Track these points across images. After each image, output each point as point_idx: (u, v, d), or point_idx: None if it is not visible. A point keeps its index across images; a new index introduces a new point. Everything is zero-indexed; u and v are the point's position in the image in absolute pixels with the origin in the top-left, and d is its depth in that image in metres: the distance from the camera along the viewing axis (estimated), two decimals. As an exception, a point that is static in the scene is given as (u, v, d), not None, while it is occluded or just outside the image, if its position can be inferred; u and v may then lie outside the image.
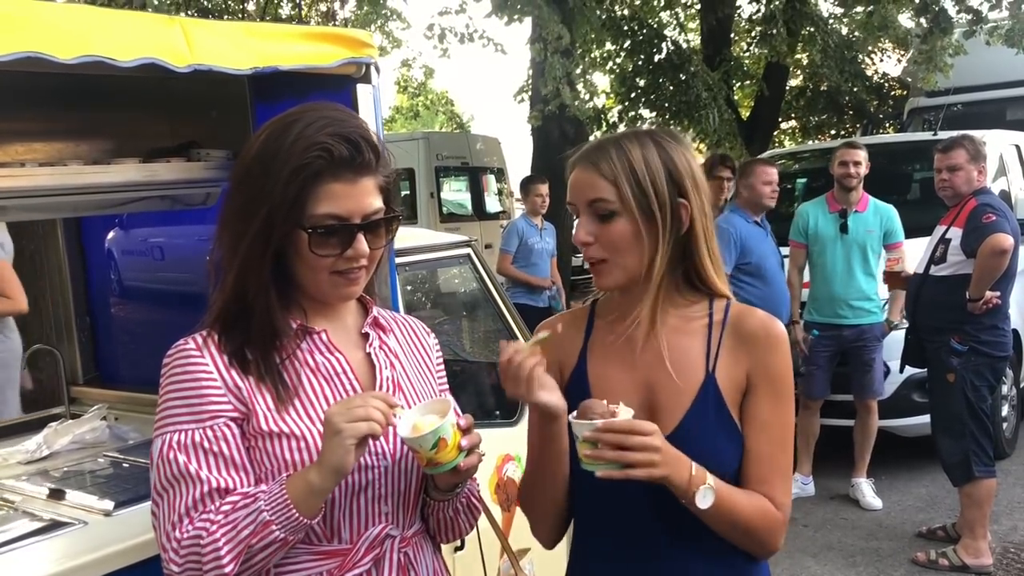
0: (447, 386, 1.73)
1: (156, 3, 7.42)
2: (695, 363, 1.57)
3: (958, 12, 9.86)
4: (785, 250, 5.41)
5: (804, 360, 5.26)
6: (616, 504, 1.56)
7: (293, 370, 1.49)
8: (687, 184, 1.56)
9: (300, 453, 1.44)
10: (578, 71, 9.75)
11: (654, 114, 12.85)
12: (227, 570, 1.35)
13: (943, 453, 4.48)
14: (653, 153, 1.56)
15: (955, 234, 4.35)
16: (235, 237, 1.47)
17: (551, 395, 1.52)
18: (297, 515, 1.37)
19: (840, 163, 5.21)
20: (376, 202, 1.49)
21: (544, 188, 7.12)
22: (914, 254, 4.91)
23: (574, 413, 1.46)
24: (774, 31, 11.20)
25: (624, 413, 1.45)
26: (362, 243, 1.47)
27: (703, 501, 1.45)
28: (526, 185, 7.25)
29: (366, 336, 1.60)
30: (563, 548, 1.77)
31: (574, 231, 1.60)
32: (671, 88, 12.31)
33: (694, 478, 1.44)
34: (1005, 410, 5.89)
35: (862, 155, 5.17)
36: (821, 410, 5.46)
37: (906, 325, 4.81)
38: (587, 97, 10.84)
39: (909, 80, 10.79)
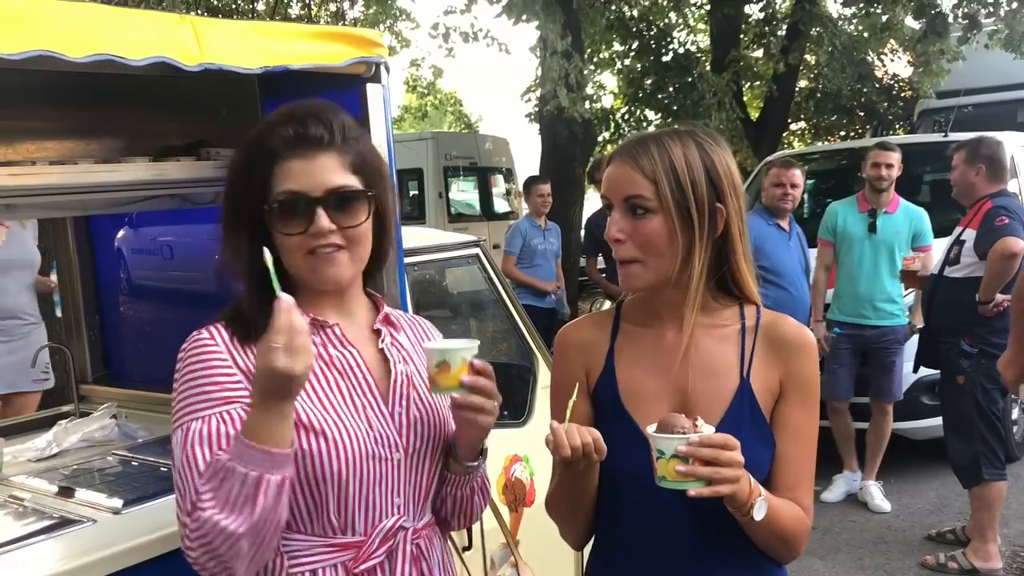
0: None
1: (165, 3, 7.43)
2: (729, 369, 1.57)
3: (955, 19, 9.83)
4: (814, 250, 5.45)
5: (827, 359, 5.25)
6: (647, 506, 1.53)
7: None
8: (726, 188, 1.54)
9: (316, 444, 1.45)
10: (586, 72, 9.74)
11: (659, 116, 12.83)
12: (241, 531, 1.34)
13: (952, 455, 4.47)
14: (695, 153, 1.53)
15: (969, 236, 4.36)
16: (225, 233, 1.54)
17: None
18: (277, 451, 1.34)
19: (872, 164, 5.19)
20: (339, 178, 1.49)
21: (546, 188, 7.09)
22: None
23: (653, 427, 1.42)
24: (771, 37, 11.18)
25: (706, 428, 1.41)
26: (322, 217, 1.46)
27: (759, 513, 1.42)
28: (528, 185, 7.22)
29: (378, 332, 1.61)
30: (560, 547, 1.77)
31: (607, 227, 1.56)
32: (677, 88, 12.29)
33: (752, 490, 1.42)
34: (1016, 413, 5.86)
35: (895, 157, 5.15)
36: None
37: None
38: (595, 97, 10.82)
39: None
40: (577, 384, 1.55)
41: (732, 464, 1.37)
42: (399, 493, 1.54)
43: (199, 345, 1.48)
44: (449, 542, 1.77)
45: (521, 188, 7.54)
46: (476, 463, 1.63)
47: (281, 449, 1.35)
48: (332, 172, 1.48)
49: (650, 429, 1.42)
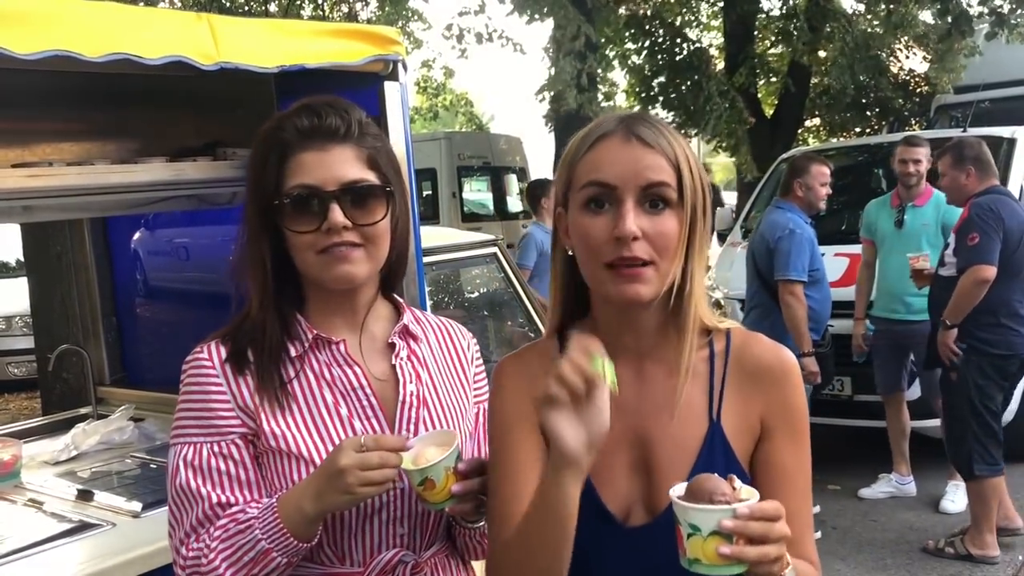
0: (485, 396, 1.58)
1: (179, 5, 7.44)
2: (697, 408, 1.29)
3: (979, 15, 9.77)
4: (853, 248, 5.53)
5: (872, 356, 5.22)
6: (637, 561, 1.29)
7: (307, 383, 1.42)
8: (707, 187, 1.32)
9: (307, 474, 1.38)
10: (599, 71, 9.73)
11: (670, 115, 12.78)
12: None
13: (948, 449, 4.54)
14: (688, 144, 1.29)
15: (953, 239, 4.41)
16: (241, 239, 1.46)
17: (577, 434, 1.13)
18: (295, 542, 1.33)
19: (899, 160, 5.14)
20: (355, 172, 1.39)
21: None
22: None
23: (678, 491, 1.12)
24: (794, 29, 11.10)
25: (746, 491, 1.13)
26: (336, 212, 1.36)
27: None
28: (546, 188, 6.56)
29: (394, 346, 1.51)
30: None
31: (623, 221, 1.21)
32: (687, 87, 12.23)
33: (783, 560, 1.13)
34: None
35: (922, 152, 5.08)
36: (848, 410, 5.40)
37: None
38: (609, 95, 10.79)
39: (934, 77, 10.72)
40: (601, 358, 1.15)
41: (780, 539, 1.10)
42: (402, 523, 1.43)
43: (197, 365, 1.42)
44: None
45: (527, 190, 7.09)
46: (479, 522, 1.47)
47: (301, 542, 1.33)
48: (348, 165, 1.38)
49: (675, 493, 1.12)
